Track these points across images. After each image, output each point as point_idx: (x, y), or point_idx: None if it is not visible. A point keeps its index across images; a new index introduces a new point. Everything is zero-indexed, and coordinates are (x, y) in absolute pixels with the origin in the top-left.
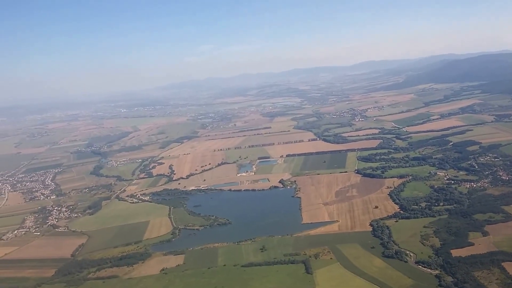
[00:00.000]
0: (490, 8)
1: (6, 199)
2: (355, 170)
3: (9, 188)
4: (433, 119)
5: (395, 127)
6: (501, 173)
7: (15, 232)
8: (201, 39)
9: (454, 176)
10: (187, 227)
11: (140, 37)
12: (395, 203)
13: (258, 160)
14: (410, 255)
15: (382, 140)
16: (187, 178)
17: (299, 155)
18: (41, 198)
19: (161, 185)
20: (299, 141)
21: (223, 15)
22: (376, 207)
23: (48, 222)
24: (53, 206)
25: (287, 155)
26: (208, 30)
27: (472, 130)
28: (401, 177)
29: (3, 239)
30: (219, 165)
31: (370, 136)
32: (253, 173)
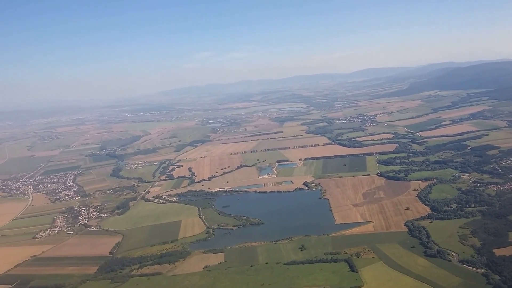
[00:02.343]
0: (489, 18)
1: (31, 200)
2: (378, 173)
3: (32, 189)
4: (445, 125)
5: (408, 132)
6: None
7: (48, 231)
8: (201, 46)
9: (479, 179)
10: (220, 227)
11: (139, 43)
12: (425, 204)
13: (277, 163)
14: (453, 255)
15: (398, 145)
16: (209, 180)
17: (317, 158)
18: (66, 199)
19: (184, 186)
20: (315, 145)
21: (222, 22)
22: (408, 208)
23: (79, 222)
24: (80, 206)
25: (306, 159)
26: (207, 37)
27: (488, 135)
28: (425, 180)
29: (37, 238)
30: (238, 168)
31: (385, 141)
32: (275, 176)
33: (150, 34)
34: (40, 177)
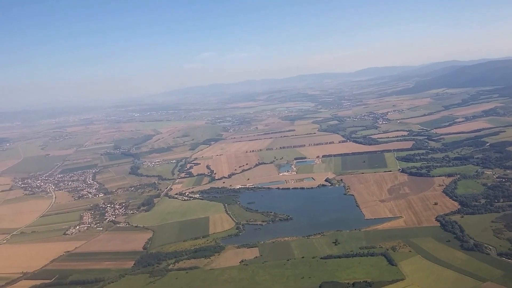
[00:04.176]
0: (491, 17)
1: (55, 198)
2: (399, 169)
3: (53, 187)
4: (459, 122)
5: (423, 129)
6: None
7: (77, 227)
8: (202, 47)
9: (503, 175)
10: (249, 223)
11: (141, 44)
12: (452, 200)
13: (295, 161)
14: (490, 248)
15: (414, 142)
16: (229, 178)
17: (335, 155)
18: (90, 196)
19: (206, 184)
20: (330, 143)
21: (223, 22)
22: (436, 203)
23: (106, 218)
24: (105, 203)
25: (323, 156)
26: (209, 38)
27: (505, 131)
28: (449, 175)
29: (67, 234)
30: (256, 165)
31: (401, 138)
32: (295, 173)
33: (151, 35)
34: (59, 176)
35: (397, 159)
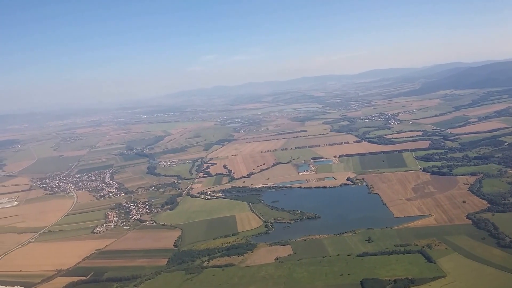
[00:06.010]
0: (492, 19)
1: (76, 197)
2: (420, 168)
3: (73, 187)
4: (473, 122)
5: (437, 129)
6: None
7: (104, 226)
8: (204, 50)
9: None
10: (277, 221)
11: (143, 47)
12: (480, 198)
13: (313, 160)
14: None
15: (431, 141)
16: (248, 177)
17: (352, 155)
18: (111, 196)
19: (226, 183)
20: (345, 143)
21: (225, 26)
22: (464, 202)
23: (132, 217)
24: (127, 202)
25: (340, 156)
26: (210, 40)
27: None
28: (472, 174)
29: (95, 232)
30: (274, 165)
31: (416, 138)
32: (315, 172)
33: (154, 38)
34: (77, 176)
35: (416, 159)
